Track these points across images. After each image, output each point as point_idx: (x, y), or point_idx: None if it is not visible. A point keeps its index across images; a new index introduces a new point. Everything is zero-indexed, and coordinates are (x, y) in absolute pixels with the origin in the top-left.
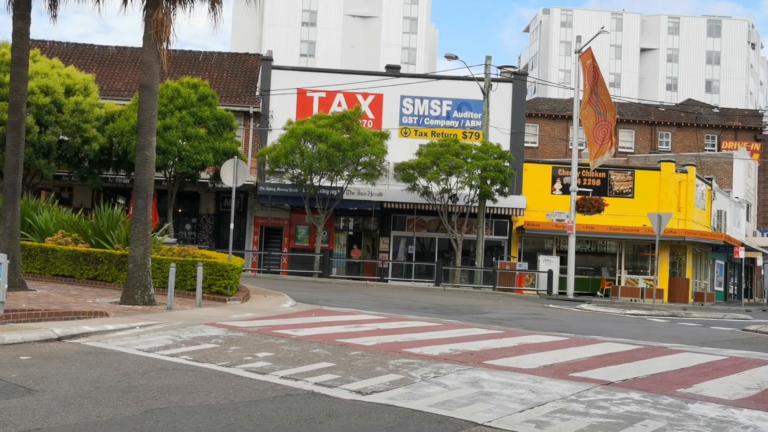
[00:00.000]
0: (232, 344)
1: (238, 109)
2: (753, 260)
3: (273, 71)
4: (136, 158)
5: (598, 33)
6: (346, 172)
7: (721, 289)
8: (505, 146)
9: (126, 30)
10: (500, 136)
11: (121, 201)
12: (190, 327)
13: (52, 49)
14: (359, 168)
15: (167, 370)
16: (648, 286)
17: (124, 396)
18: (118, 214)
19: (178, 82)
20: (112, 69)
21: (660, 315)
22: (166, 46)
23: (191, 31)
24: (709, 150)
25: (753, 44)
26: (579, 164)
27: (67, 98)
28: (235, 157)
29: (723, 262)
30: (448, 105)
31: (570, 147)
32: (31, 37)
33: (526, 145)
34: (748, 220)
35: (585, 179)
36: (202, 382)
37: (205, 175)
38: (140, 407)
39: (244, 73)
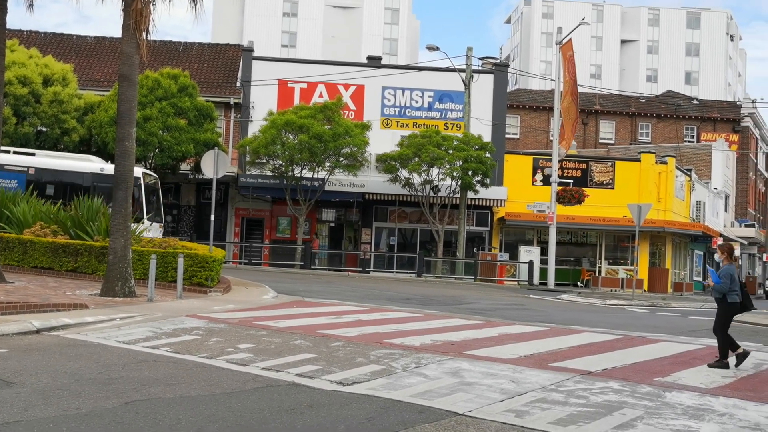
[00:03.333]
0: (213, 336)
1: (218, 100)
2: None
3: (254, 62)
4: (116, 149)
5: (579, 24)
6: (327, 163)
7: (700, 279)
8: (487, 137)
9: (105, 20)
10: (481, 127)
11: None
12: (171, 319)
13: (29, 38)
14: (341, 159)
15: (148, 362)
16: (628, 276)
17: (104, 388)
18: (97, 205)
19: (158, 72)
20: (91, 59)
21: (639, 305)
22: (146, 37)
23: (171, 21)
24: (689, 141)
25: (731, 36)
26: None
27: (45, 89)
28: (216, 148)
29: (702, 253)
30: (429, 96)
31: (551, 138)
32: (7, 27)
33: (507, 136)
34: (726, 210)
35: (566, 170)
36: (182, 374)
37: (185, 167)
38: (120, 399)
39: (224, 64)
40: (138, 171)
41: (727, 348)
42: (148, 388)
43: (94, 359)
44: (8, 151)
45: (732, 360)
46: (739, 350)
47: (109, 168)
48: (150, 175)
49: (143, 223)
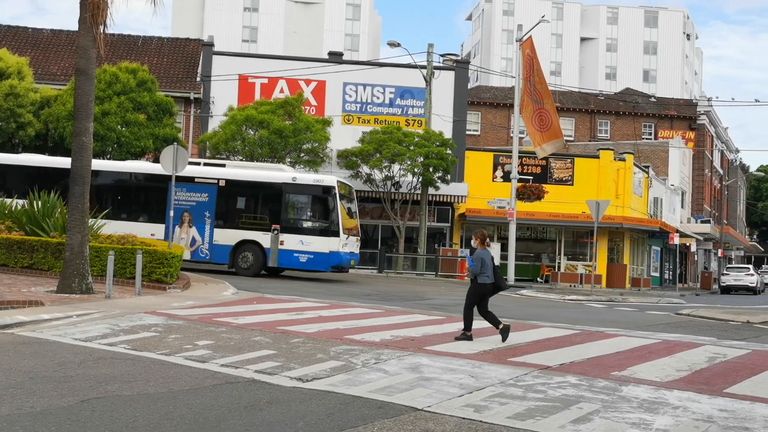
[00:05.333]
0: (172, 332)
1: (178, 95)
2: (687, 246)
3: (214, 57)
4: (73, 144)
5: (539, 22)
6: (288, 159)
7: (657, 274)
8: (448, 134)
9: (61, 12)
10: (443, 123)
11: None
12: (129, 315)
13: None
14: (302, 155)
15: (105, 359)
16: (587, 272)
17: (60, 386)
18: (54, 201)
19: (117, 67)
20: (48, 52)
21: (598, 300)
22: (103, 30)
23: (130, 15)
24: (647, 138)
25: (688, 35)
26: (520, 152)
27: (0, 82)
28: (175, 143)
29: (659, 248)
30: (390, 92)
31: (511, 135)
32: None
33: (468, 132)
34: (683, 207)
35: (526, 167)
36: (140, 371)
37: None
38: (76, 397)
39: (184, 59)
40: (332, 179)
41: (471, 322)
42: (104, 385)
43: (49, 357)
44: (198, 163)
45: (498, 337)
46: (501, 326)
47: (301, 177)
48: (345, 184)
49: (338, 237)
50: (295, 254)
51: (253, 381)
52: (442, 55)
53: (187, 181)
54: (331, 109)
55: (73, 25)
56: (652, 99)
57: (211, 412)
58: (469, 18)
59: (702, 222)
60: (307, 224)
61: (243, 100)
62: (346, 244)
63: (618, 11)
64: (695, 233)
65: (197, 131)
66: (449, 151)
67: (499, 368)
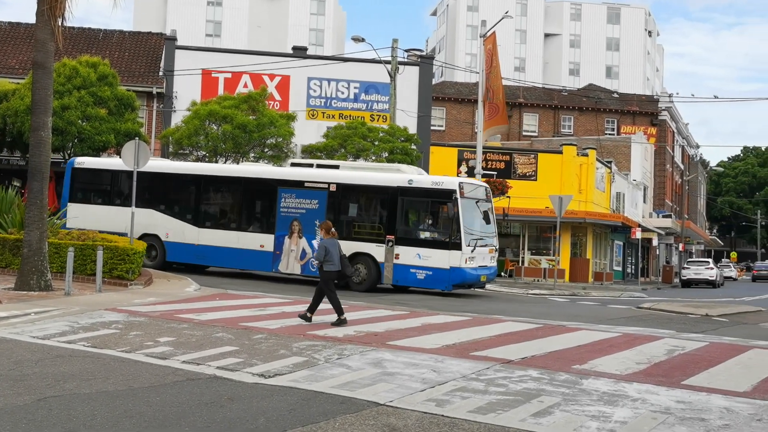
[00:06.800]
0: (133, 329)
1: (140, 89)
2: (649, 240)
3: (177, 51)
4: (31, 139)
5: (502, 18)
6: (252, 154)
7: (620, 268)
8: (412, 129)
9: (19, 4)
10: (407, 119)
11: (17, 183)
12: (89, 312)
13: None
14: (266, 150)
15: (63, 357)
16: (550, 266)
17: (16, 385)
18: (11, 197)
19: (77, 60)
20: (5, 45)
21: (561, 294)
22: (62, 23)
23: (91, 8)
24: (609, 134)
25: (650, 32)
26: (484, 148)
27: None
28: (137, 138)
29: (621, 243)
30: (355, 87)
31: (476, 130)
32: None
33: (432, 128)
34: (644, 201)
35: (490, 162)
36: (99, 369)
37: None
38: (33, 396)
39: (146, 53)
40: (453, 181)
41: (340, 306)
42: (62, 383)
43: (5, 355)
44: (311, 165)
45: (311, 317)
46: (308, 315)
47: (418, 179)
48: (476, 185)
49: (460, 250)
50: (412, 270)
51: (215, 377)
52: (406, 51)
53: (297, 186)
54: (296, 104)
55: (31, 17)
56: (615, 95)
57: (171, 409)
58: (434, 13)
59: (663, 216)
60: (425, 235)
61: (206, 94)
62: (473, 258)
63: (581, 8)
64: (657, 228)
65: (160, 126)
66: (414, 147)
67: (462, 362)
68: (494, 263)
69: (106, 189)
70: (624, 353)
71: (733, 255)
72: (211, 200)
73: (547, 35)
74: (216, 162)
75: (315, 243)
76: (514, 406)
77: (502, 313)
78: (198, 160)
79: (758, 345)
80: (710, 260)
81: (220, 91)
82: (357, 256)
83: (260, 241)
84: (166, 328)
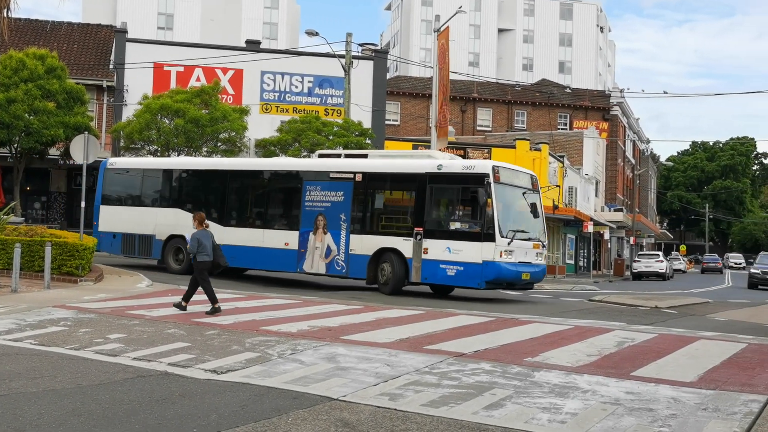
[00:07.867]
0: (82, 326)
1: (90, 82)
2: (601, 234)
3: (128, 44)
4: None
5: (456, 13)
6: (205, 149)
7: (572, 261)
8: (367, 124)
9: None
10: (362, 113)
11: None
12: (37, 310)
13: None
14: (219, 144)
15: (9, 355)
16: None
17: None
18: None
19: (24, 52)
20: None
21: None
22: (7, 14)
23: None
24: (562, 128)
25: (602, 28)
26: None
27: None
28: (86, 132)
29: (574, 236)
30: (309, 81)
31: (430, 125)
32: None
33: (387, 122)
34: (597, 195)
35: None
36: (47, 367)
37: (54, 152)
38: None
39: (96, 45)
40: (485, 165)
41: (213, 295)
42: (8, 382)
43: None
44: (338, 155)
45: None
46: (216, 305)
47: (448, 164)
48: (515, 170)
49: (493, 242)
50: (441, 265)
51: (166, 374)
52: (360, 45)
53: (321, 178)
54: (249, 98)
55: None
56: (568, 90)
57: (121, 406)
58: (389, 8)
59: (615, 210)
60: (455, 225)
61: (158, 88)
62: (510, 252)
63: (534, 3)
64: (608, 221)
65: (111, 120)
66: (368, 141)
67: (415, 356)
68: (541, 261)
69: (136, 190)
70: (575, 345)
71: (683, 248)
72: (235, 196)
73: (500, 30)
74: (169, 156)
75: (341, 239)
76: (467, 399)
77: (455, 306)
78: (150, 154)
79: (705, 336)
80: (660, 253)
81: (173, 84)
82: (384, 253)
83: (285, 239)
84: (117, 324)
